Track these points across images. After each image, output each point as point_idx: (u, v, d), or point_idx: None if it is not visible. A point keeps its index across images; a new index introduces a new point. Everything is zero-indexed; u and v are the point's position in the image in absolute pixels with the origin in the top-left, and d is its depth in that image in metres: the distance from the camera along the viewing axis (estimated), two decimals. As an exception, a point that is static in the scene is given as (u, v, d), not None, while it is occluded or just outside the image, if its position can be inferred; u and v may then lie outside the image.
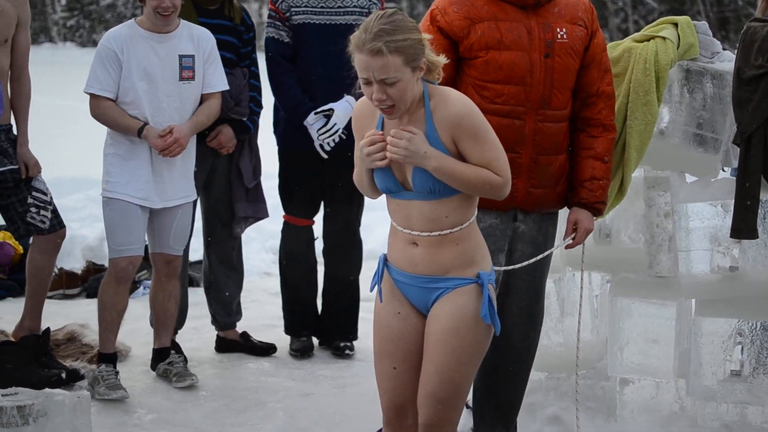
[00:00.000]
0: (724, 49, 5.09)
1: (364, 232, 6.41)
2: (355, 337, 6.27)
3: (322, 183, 6.11)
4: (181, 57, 5.40)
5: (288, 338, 6.26)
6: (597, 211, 4.48)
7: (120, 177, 5.35)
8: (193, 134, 5.48)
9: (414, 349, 3.71)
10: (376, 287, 3.79)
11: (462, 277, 3.63)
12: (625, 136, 4.70)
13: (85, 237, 8.31)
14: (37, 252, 5.66)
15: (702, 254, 4.78)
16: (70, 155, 11.21)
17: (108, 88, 5.32)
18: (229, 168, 6.06)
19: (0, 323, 6.45)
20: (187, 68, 5.41)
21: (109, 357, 5.46)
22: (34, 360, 5.45)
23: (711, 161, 4.92)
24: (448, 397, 3.64)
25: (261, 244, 8.88)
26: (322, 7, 5.97)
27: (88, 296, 7.42)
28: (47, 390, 4.55)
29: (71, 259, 7.97)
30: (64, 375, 5.40)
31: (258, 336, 6.30)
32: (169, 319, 5.65)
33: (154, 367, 5.73)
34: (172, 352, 5.72)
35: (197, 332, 6.48)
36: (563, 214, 4.61)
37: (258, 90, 6.07)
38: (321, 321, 6.30)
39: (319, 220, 6.28)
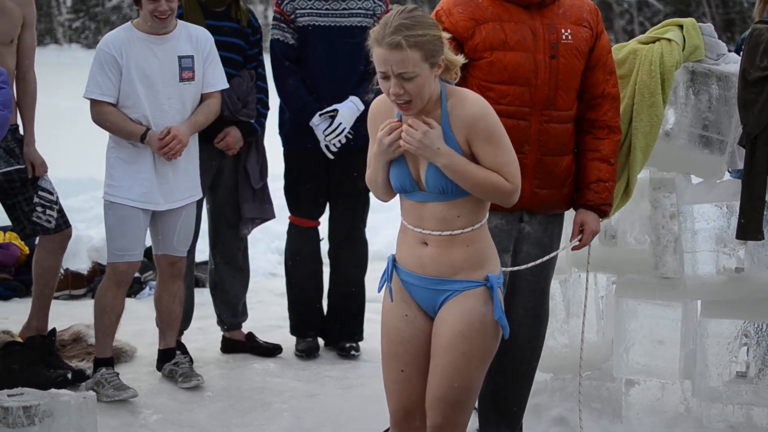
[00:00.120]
0: (730, 50, 5.09)
1: (369, 233, 6.42)
2: (361, 338, 6.27)
3: (328, 184, 6.11)
4: (180, 58, 5.39)
5: (293, 339, 6.27)
6: (603, 212, 4.48)
7: (122, 181, 5.34)
8: (193, 134, 5.47)
9: (421, 352, 3.70)
10: (385, 287, 3.78)
11: (471, 280, 3.62)
12: (631, 138, 4.70)
13: (90, 238, 8.33)
14: (43, 252, 5.67)
15: (707, 255, 4.78)
16: (75, 156, 11.22)
17: (108, 92, 5.31)
18: (236, 169, 6.06)
19: (6, 324, 6.46)
20: (186, 69, 5.40)
21: (107, 360, 5.46)
22: (40, 360, 5.45)
23: (716, 163, 4.92)
24: (457, 400, 3.64)
25: (267, 245, 8.89)
26: (326, 9, 5.97)
27: (94, 297, 7.42)
28: (53, 390, 4.56)
29: (77, 260, 7.98)
30: (69, 375, 5.41)
31: (263, 337, 6.30)
32: (173, 320, 5.65)
33: (159, 367, 5.73)
34: (178, 352, 5.73)
35: (203, 333, 6.49)
36: (569, 215, 4.61)
37: (265, 92, 6.07)
38: (326, 322, 6.30)
39: (324, 221, 6.28)
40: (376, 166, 3.72)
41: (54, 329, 5.70)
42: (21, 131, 5.61)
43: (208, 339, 6.40)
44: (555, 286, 5.09)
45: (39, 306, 5.74)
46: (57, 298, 6.00)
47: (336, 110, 5.90)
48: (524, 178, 4.30)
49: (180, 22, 5.48)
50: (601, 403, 5.14)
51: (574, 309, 5.19)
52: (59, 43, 41.83)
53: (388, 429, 3.84)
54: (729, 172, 5.12)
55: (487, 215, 3.69)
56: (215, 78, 5.52)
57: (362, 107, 5.94)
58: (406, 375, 3.71)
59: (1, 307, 7.20)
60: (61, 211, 5.62)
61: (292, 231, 6.23)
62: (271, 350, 6.19)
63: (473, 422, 4.71)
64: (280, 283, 6.82)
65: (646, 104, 4.69)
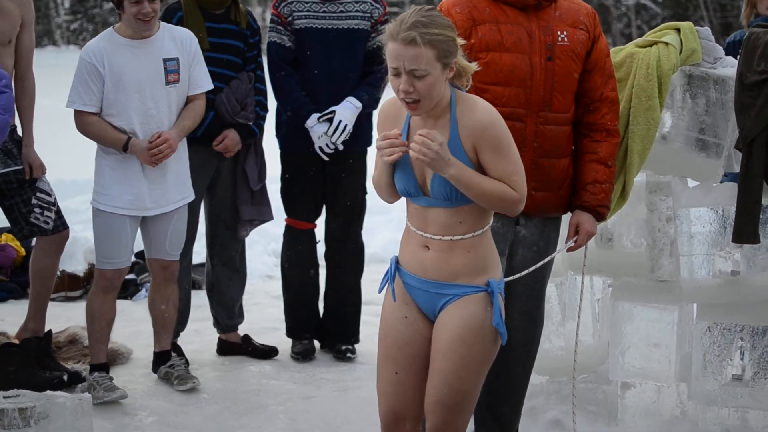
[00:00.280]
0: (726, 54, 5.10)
1: (365, 235, 6.42)
2: (357, 341, 6.27)
3: (324, 186, 6.11)
4: (165, 61, 5.34)
5: (290, 341, 6.27)
6: (599, 214, 4.46)
7: (110, 188, 5.32)
8: (181, 139, 5.45)
9: (418, 355, 3.71)
10: (387, 288, 3.78)
11: (471, 285, 3.63)
12: (628, 141, 4.71)
13: (87, 239, 8.31)
14: (40, 253, 5.67)
15: (703, 259, 4.79)
16: (73, 158, 11.18)
17: (89, 102, 5.28)
18: (234, 171, 6.06)
19: (2, 325, 6.46)
20: (172, 72, 5.35)
21: (102, 366, 5.45)
22: (35, 362, 5.45)
23: (713, 166, 4.92)
24: (456, 404, 3.64)
25: (263, 247, 8.89)
26: (324, 12, 5.98)
27: (86, 301, 7.43)
28: (49, 392, 4.56)
29: (73, 262, 7.98)
30: (65, 377, 5.42)
31: (259, 339, 6.30)
32: (168, 323, 5.64)
33: (155, 369, 5.73)
34: (174, 354, 5.72)
35: (199, 335, 6.49)
36: (566, 220, 4.60)
37: (264, 94, 6.07)
38: (323, 324, 6.30)
39: (321, 223, 6.28)
40: (380, 170, 3.72)
41: (50, 331, 5.69)
42: (19, 132, 5.60)
43: (204, 341, 6.39)
44: (551, 289, 5.10)
45: (36, 308, 5.74)
46: (53, 299, 6.00)
47: (333, 112, 5.90)
48: (520, 180, 4.31)
49: (163, 24, 5.44)
50: (596, 406, 5.14)
51: (570, 312, 5.20)
52: (57, 44, 41.83)
53: (381, 432, 3.84)
54: (725, 175, 5.13)
55: (491, 222, 3.69)
56: (201, 79, 5.48)
57: (360, 105, 5.95)
58: (399, 378, 3.71)
59: (-3, 308, 7.20)
60: (58, 213, 5.62)
61: (289, 233, 6.23)
62: (267, 352, 6.19)
63: (469, 426, 4.72)
64: (277, 286, 6.82)
65: (643, 107, 4.70)
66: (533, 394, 5.08)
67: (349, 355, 6.19)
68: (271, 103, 6.07)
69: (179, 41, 5.40)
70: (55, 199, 5.62)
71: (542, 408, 5.13)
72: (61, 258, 5.85)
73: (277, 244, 7.14)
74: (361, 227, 6.28)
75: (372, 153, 4.24)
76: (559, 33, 4.35)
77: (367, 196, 6.25)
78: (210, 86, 5.55)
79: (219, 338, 6.28)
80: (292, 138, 6.05)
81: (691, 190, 4.96)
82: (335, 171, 6.04)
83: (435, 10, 3.57)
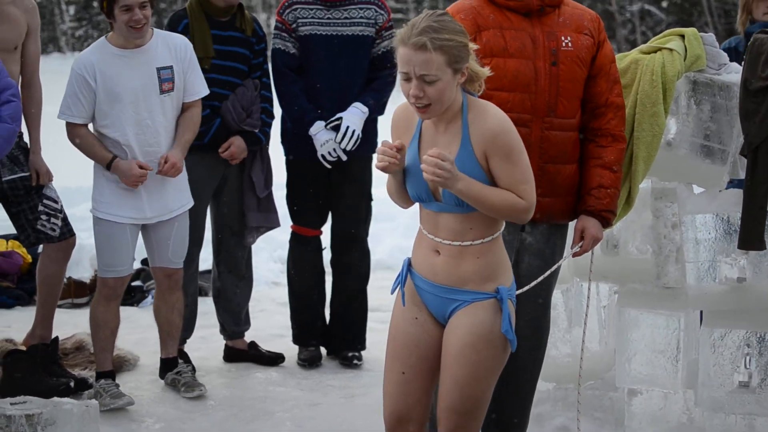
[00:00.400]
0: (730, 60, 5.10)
1: (371, 242, 6.42)
2: (363, 347, 6.27)
3: (330, 193, 6.12)
4: (159, 69, 5.30)
5: (296, 348, 6.27)
6: (605, 219, 4.44)
7: (109, 197, 5.32)
8: (185, 155, 5.44)
9: (426, 356, 3.72)
10: (398, 290, 3.79)
11: (479, 291, 3.64)
12: (633, 148, 4.71)
13: (93, 246, 8.28)
14: (47, 260, 5.68)
15: (709, 265, 4.78)
16: (79, 165, 11.22)
17: (79, 114, 5.27)
18: (240, 178, 6.07)
19: (9, 332, 6.47)
20: (166, 80, 5.31)
21: (108, 374, 5.46)
22: (42, 369, 5.46)
23: (718, 172, 4.92)
24: (468, 409, 3.66)
25: (269, 254, 8.90)
26: (328, 18, 5.98)
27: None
28: (56, 399, 4.57)
29: (80, 269, 7.99)
30: (72, 384, 5.42)
31: (266, 345, 6.30)
32: (173, 330, 5.64)
33: (162, 376, 5.73)
34: (181, 361, 5.73)
35: (205, 341, 6.50)
36: (573, 227, 4.59)
37: (269, 101, 6.08)
38: (329, 331, 6.30)
39: (326, 230, 6.28)
40: (390, 175, 3.74)
41: (57, 338, 5.70)
42: (26, 139, 5.62)
43: (210, 348, 6.40)
44: (557, 296, 5.10)
45: (43, 314, 5.75)
46: (60, 306, 6.01)
47: (340, 118, 5.91)
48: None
49: (156, 30, 5.39)
50: (603, 412, 5.14)
51: (576, 318, 5.20)
52: (62, 51, 41.91)
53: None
54: (730, 182, 5.13)
55: (502, 229, 3.69)
56: (197, 86, 5.45)
57: (366, 110, 5.95)
58: (405, 378, 3.72)
59: (3, 315, 7.21)
60: (65, 220, 5.63)
61: (294, 240, 6.24)
62: (274, 359, 6.20)
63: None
64: (283, 292, 6.82)
65: (647, 114, 4.70)
66: (540, 401, 5.08)
67: (355, 361, 6.19)
68: (277, 109, 6.07)
69: (173, 48, 5.36)
70: (61, 206, 5.63)
71: (549, 414, 5.13)
72: (68, 265, 5.86)
73: (283, 251, 7.14)
74: (366, 234, 6.29)
75: (375, 159, 4.24)
76: (563, 38, 4.35)
77: (373, 203, 6.25)
78: (206, 92, 5.51)
79: (225, 345, 6.28)
80: (298, 144, 6.05)
81: (697, 197, 4.96)
82: (340, 177, 6.04)
83: (447, 15, 3.56)
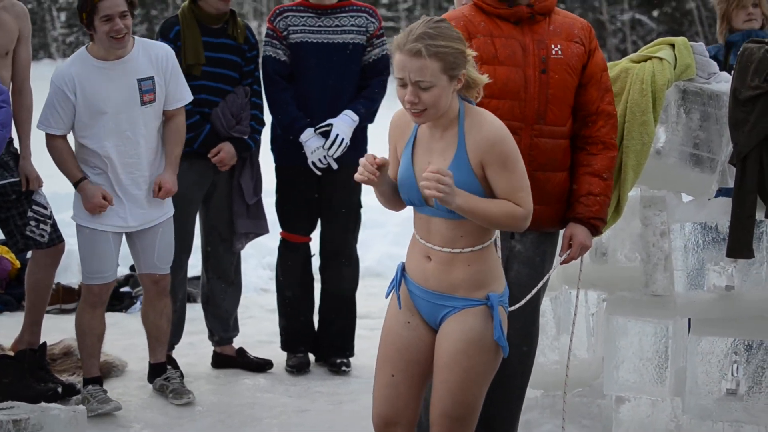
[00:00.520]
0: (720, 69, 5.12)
1: (360, 249, 6.43)
2: (352, 354, 6.27)
3: (319, 200, 6.12)
4: (139, 81, 5.27)
5: (284, 354, 6.27)
6: (594, 227, 4.44)
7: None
8: (177, 170, 5.45)
9: (417, 360, 3.72)
10: (392, 294, 3.79)
11: (470, 298, 3.64)
12: (622, 156, 4.71)
13: (81, 252, 8.31)
14: (35, 266, 5.67)
15: (698, 273, 4.79)
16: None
17: (57, 126, 5.26)
18: (230, 184, 6.07)
19: (-3, 338, 6.46)
20: (147, 91, 5.29)
21: (96, 380, 5.45)
22: (30, 374, 5.45)
23: (707, 181, 4.93)
24: (460, 416, 3.67)
25: (258, 261, 8.90)
26: (319, 26, 5.99)
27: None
28: (43, 404, 4.57)
29: (68, 274, 7.97)
30: (60, 389, 5.41)
31: (254, 352, 6.30)
32: (162, 335, 5.63)
33: (151, 380, 5.73)
34: (169, 367, 5.72)
35: (193, 347, 6.49)
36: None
37: (260, 108, 6.08)
38: (317, 337, 6.30)
39: (316, 236, 6.29)
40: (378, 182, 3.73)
41: (44, 343, 5.69)
42: (16, 145, 5.61)
43: (198, 354, 6.39)
44: (546, 303, 5.10)
45: (31, 320, 5.74)
46: (48, 312, 6.00)
47: (330, 125, 5.92)
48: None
49: (137, 39, 5.35)
50: (591, 420, 5.15)
51: (564, 326, 5.20)
52: (53, 57, 41.84)
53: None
54: (718, 190, 5.14)
55: (493, 237, 3.70)
56: (180, 92, 5.43)
57: (357, 118, 5.96)
58: (395, 381, 3.72)
59: (-8, 320, 7.20)
60: (54, 226, 5.61)
61: (283, 247, 6.24)
62: (262, 365, 6.19)
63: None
64: (271, 299, 6.82)
65: (637, 122, 4.71)
66: (528, 408, 5.08)
67: (343, 368, 6.19)
68: (267, 116, 6.08)
69: (154, 59, 5.32)
70: (51, 212, 5.62)
71: (537, 422, 5.14)
72: (57, 270, 5.85)
73: (272, 258, 7.14)
74: (356, 241, 6.29)
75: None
76: (552, 46, 4.36)
77: (362, 210, 6.26)
78: (190, 98, 5.50)
79: (214, 351, 6.28)
80: (287, 151, 6.06)
81: (686, 205, 4.97)
82: (330, 185, 6.04)
83: (444, 22, 3.56)
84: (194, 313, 6.59)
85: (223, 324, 6.21)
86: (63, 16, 43.11)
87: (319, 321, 6.33)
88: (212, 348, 6.28)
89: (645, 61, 4.83)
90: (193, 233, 6.04)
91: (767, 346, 4.67)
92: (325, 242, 6.25)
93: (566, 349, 5.05)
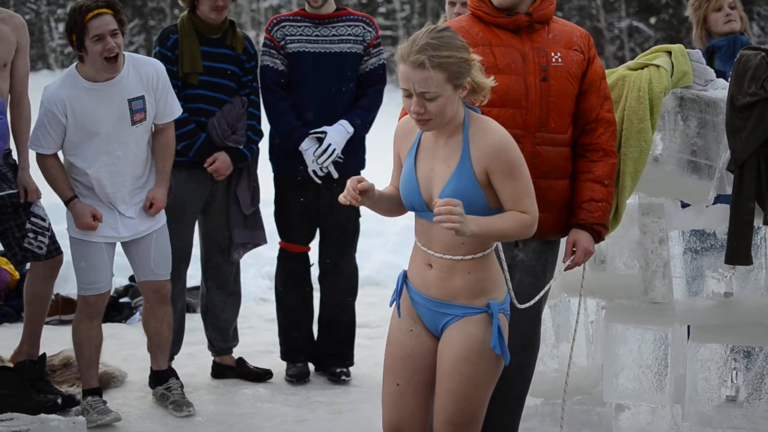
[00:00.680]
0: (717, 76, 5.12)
1: (359, 258, 6.43)
2: (351, 363, 6.27)
3: (318, 209, 6.12)
4: (130, 101, 5.26)
5: (284, 364, 6.26)
6: (596, 233, 4.43)
7: None
8: (168, 184, 5.49)
9: (421, 368, 3.73)
10: (395, 303, 3.80)
11: (470, 306, 3.65)
12: (620, 164, 4.71)
13: (80, 264, 8.31)
14: (33, 278, 5.66)
15: (696, 280, 4.80)
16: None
17: (47, 146, 5.27)
18: (227, 194, 6.07)
19: (-4, 349, 6.45)
20: (138, 111, 5.29)
21: (95, 390, 5.45)
22: (29, 385, 5.45)
23: (705, 188, 4.93)
24: (464, 423, 3.67)
25: (257, 270, 8.89)
26: (316, 35, 6.00)
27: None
28: (43, 415, 4.57)
29: (68, 285, 7.95)
30: (59, 400, 5.41)
31: (254, 362, 6.30)
32: (163, 342, 5.64)
33: (152, 387, 5.72)
34: (172, 378, 5.71)
35: (193, 358, 6.49)
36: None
37: (257, 118, 6.08)
38: (317, 347, 6.30)
39: (314, 246, 6.29)
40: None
41: (44, 354, 5.69)
42: (14, 156, 5.61)
43: (198, 364, 6.39)
44: (545, 312, 5.09)
45: (30, 332, 5.73)
46: (47, 323, 6.00)
47: (325, 132, 5.92)
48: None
49: (127, 55, 5.32)
50: (591, 427, 5.15)
51: (564, 334, 5.20)
52: (51, 68, 41.88)
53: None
54: (716, 197, 5.14)
55: (494, 245, 3.70)
56: (171, 107, 5.44)
57: (352, 130, 5.97)
58: (400, 389, 3.73)
59: (-9, 332, 7.19)
60: (52, 238, 5.61)
61: (282, 256, 6.24)
62: (262, 375, 6.19)
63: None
64: (271, 309, 6.82)
65: (634, 130, 4.71)
66: (528, 416, 5.08)
67: (343, 377, 6.18)
68: (265, 126, 6.08)
69: (144, 77, 5.31)
70: (49, 223, 5.62)
71: (537, 430, 5.14)
72: (56, 281, 5.85)
73: (271, 267, 7.13)
74: (354, 250, 6.29)
75: (365, 176, 4.24)
76: (552, 54, 4.37)
77: (361, 219, 6.26)
78: (179, 112, 5.51)
79: (213, 361, 6.27)
80: (285, 161, 6.06)
81: (684, 212, 4.97)
82: (328, 194, 6.04)
83: (447, 31, 3.56)
84: (193, 323, 6.59)
85: (222, 334, 6.21)
86: (61, 27, 43.14)
87: (319, 330, 6.32)
88: (212, 358, 6.28)
89: (642, 68, 4.84)
90: (192, 243, 6.04)
91: (767, 353, 4.67)
92: (323, 252, 6.25)
93: (566, 357, 5.05)
